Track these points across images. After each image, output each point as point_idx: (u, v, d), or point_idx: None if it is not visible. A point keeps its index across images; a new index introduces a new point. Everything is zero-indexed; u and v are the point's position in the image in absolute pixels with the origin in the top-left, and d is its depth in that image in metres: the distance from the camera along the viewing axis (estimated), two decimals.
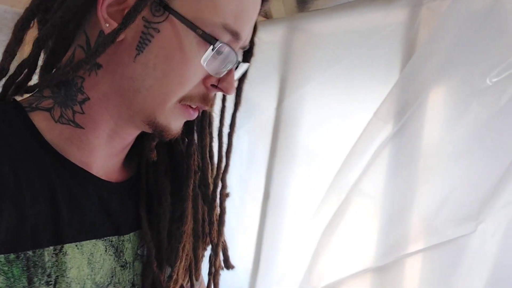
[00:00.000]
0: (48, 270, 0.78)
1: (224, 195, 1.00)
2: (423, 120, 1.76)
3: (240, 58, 0.84)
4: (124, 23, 0.77)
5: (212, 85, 0.84)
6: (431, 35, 1.82)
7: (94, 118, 0.84)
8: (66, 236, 0.81)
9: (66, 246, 0.81)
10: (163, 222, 0.94)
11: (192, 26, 0.78)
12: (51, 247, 0.79)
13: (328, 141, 1.82)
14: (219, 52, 0.80)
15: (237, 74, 0.90)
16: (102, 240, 0.86)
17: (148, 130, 0.85)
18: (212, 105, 0.89)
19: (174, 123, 0.84)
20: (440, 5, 1.81)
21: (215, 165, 1.00)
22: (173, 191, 0.98)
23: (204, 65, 0.80)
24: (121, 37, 0.79)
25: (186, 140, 1.00)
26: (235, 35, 0.81)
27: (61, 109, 0.83)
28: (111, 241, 0.88)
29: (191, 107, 0.85)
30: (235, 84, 0.87)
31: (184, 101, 0.83)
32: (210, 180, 0.99)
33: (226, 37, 0.81)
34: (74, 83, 0.83)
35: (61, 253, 0.80)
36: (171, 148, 1.00)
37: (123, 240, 0.91)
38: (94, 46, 0.81)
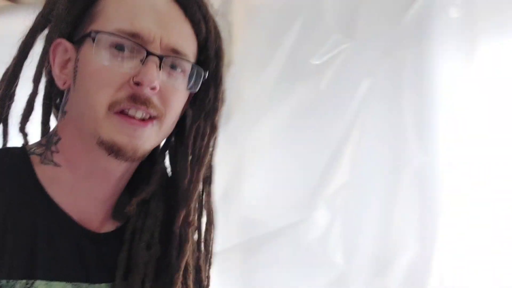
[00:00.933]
0: None
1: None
2: (249, 112, 1.76)
3: (155, 52, 0.89)
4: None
5: (135, 83, 0.88)
6: (248, 25, 1.82)
7: (67, 156, 0.93)
8: (39, 273, 0.88)
9: (37, 282, 0.88)
10: (136, 278, 0.95)
11: (89, 37, 0.90)
12: (24, 281, 0.87)
13: None
14: (118, 47, 0.89)
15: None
16: (72, 284, 0.91)
17: (105, 153, 0.90)
18: (150, 106, 0.90)
19: (120, 136, 0.89)
20: None
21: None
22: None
23: (99, 59, 0.89)
24: (65, 86, 0.94)
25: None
26: (135, 36, 0.89)
27: (46, 152, 0.94)
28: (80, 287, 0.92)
29: (129, 116, 0.89)
30: (156, 76, 0.89)
31: (115, 108, 0.89)
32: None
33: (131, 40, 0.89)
34: (54, 130, 0.97)
35: None
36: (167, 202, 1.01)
37: None
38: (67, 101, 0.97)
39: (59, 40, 0.94)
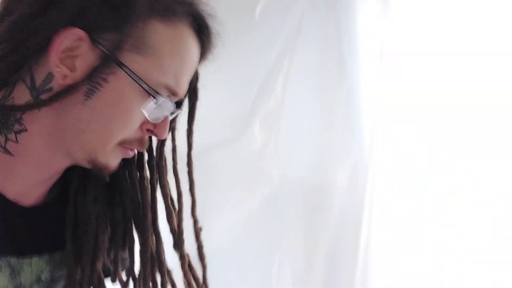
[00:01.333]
0: None
1: (198, 230, 1.09)
2: None
3: (176, 109, 0.96)
4: (89, 78, 0.86)
5: (148, 130, 0.94)
6: None
7: (27, 149, 0.91)
8: None
9: None
10: (87, 248, 0.99)
11: (138, 80, 0.88)
12: None
13: None
14: (159, 105, 0.91)
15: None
16: None
17: (86, 166, 0.93)
18: (146, 147, 1.00)
19: (113, 162, 0.94)
20: None
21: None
22: (107, 220, 1.04)
23: (146, 115, 0.91)
24: (65, 81, 0.87)
25: (139, 175, 1.06)
26: (174, 93, 0.93)
27: None
28: (9, 262, 0.92)
29: (128, 148, 0.95)
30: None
31: (123, 144, 0.93)
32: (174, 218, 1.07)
33: (166, 93, 0.91)
34: (13, 114, 0.90)
35: None
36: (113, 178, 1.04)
37: (22, 263, 0.94)
38: (46, 90, 0.88)
39: (78, 31, 0.86)
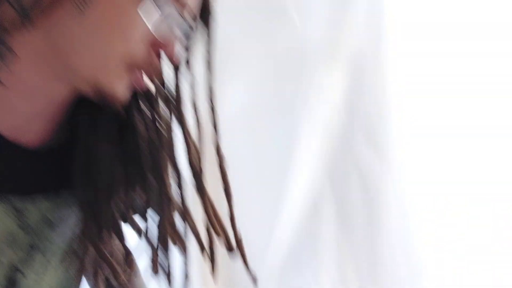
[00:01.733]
0: None
1: (224, 166, 0.97)
2: None
3: (186, 26, 0.85)
4: None
5: (158, 52, 0.85)
6: None
7: (20, 76, 0.84)
8: None
9: None
10: (101, 188, 0.92)
11: None
12: None
13: None
14: (165, 16, 0.81)
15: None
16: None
17: (90, 94, 0.85)
18: (159, 76, 0.91)
19: (119, 87, 0.84)
20: None
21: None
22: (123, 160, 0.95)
23: (149, 24, 0.81)
24: None
25: (152, 111, 0.96)
26: None
27: None
28: (12, 202, 0.88)
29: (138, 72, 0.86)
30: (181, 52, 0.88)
31: (130, 66, 0.83)
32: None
33: None
34: (0, 38, 0.81)
35: None
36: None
37: (26, 202, 0.90)
38: (34, 9, 0.79)
39: None
